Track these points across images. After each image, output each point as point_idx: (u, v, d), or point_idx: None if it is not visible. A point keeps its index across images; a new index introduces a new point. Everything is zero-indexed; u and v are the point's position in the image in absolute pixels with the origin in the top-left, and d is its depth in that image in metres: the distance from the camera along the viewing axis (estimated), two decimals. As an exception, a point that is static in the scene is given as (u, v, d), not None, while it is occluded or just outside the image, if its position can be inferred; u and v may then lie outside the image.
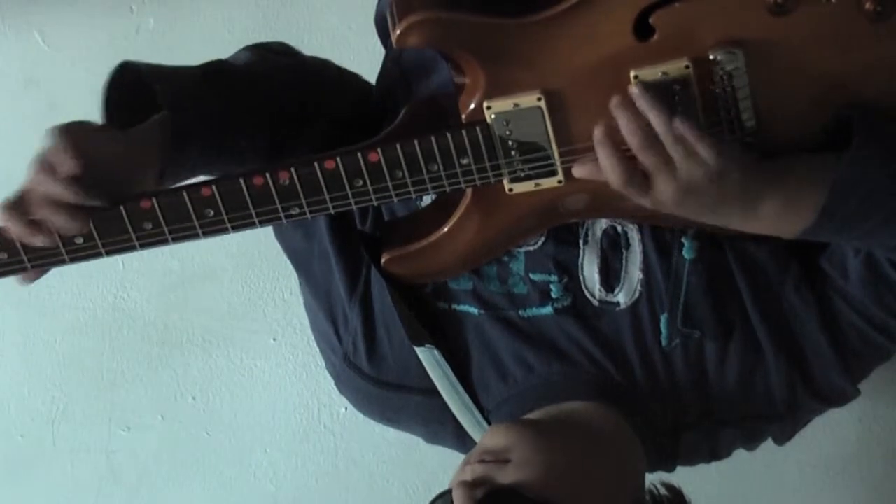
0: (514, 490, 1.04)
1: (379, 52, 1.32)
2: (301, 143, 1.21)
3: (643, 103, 1.03)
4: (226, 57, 1.26)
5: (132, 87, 1.15)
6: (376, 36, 1.28)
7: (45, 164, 1.05)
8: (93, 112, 2.01)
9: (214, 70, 1.21)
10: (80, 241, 1.09)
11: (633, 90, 1.04)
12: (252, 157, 1.21)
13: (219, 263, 1.99)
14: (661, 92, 1.05)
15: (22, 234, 1.07)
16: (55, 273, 1.13)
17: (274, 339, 2.02)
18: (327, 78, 1.31)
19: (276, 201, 1.09)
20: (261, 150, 1.22)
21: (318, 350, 1.34)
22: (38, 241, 1.07)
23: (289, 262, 1.34)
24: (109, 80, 1.15)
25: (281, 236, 1.30)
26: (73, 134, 1.05)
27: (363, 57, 1.32)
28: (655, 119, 1.03)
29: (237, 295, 2.01)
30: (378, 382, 1.27)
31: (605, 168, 1.06)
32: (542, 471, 1.06)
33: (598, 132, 1.06)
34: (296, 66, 1.29)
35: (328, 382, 1.33)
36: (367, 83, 1.38)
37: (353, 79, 1.36)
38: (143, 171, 1.11)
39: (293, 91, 1.25)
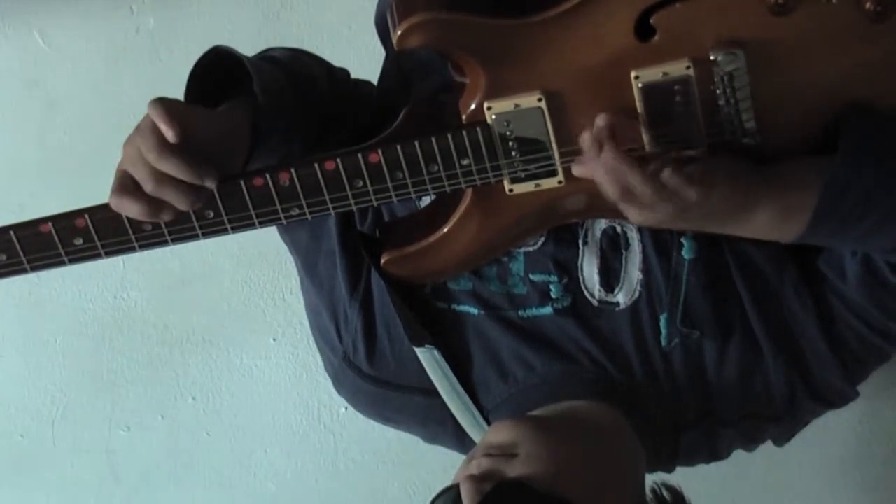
0: (522, 483, 1.04)
1: (379, 52, 1.32)
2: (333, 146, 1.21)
3: (621, 171, 1.02)
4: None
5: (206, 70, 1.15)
6: (376, 36, 1.28)
7: (148, 137, 1.04)
8: (92, 112, 2.01)
9: (280, 64, 1.21)
10: (79, 241, 1.09)
11: (606, 153, 1.03)
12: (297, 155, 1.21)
13: (219, 263, 1.99)
14: (661, 93, 1.05)
15: (147, 213, 1.07)
16: (55, 273, 1.13)
17: (274, 339, 2.02)
18: (354, 86, 1.31)
19: (277, 202, 1.09)
20: (308, 149, 1.22)
21: (318, 350, 1.34)
22: (165, 216, 1.07)
23: (289, 263, 1.34)
24: (198, 62, 1.14)
25: (288, 234, 1.30)
26: (169, 106, 1.04)
27: (363, 57, 1.32)
28: (635, 181, 1.02)
29: (237, 295, 2.01)
30: (377, 382, 1.27)
31: (602, 183, 1.06)
32: (550, 465, 1.06)
33: (586, 140, 1.06)
34: (329, 72, 1.29)
35: (328, 382, 1.33)
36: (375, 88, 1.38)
37: (366, 86, 1.36)
38: (235, 151, 1.11)
39: (333, 96, 1.26)
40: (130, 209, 1.07)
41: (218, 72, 1.16)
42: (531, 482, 1.04)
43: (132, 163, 1.05)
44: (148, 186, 1.05)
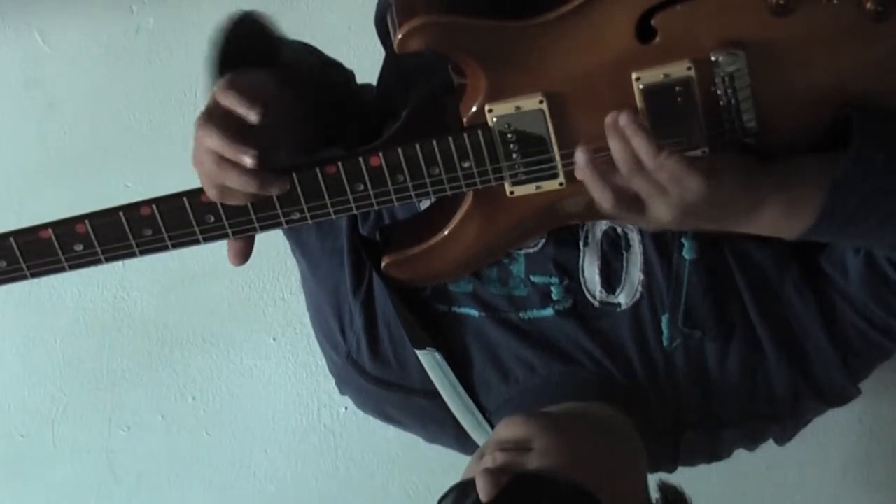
0: (542, 475, 1.03)
1: (379, 52, 1.31)
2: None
3: (628, 132, 1.03)
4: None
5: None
6: (376, 36, 1.28)
7: (222, 121, 1.03)
8: (92, 112, 2.01)
9: (304, 47, 1.21)
10: (79, 248, 1.09)
11: (621, 119, 1.03)
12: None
13: (219, 263, 1.98)
14: (662, 94, 1.05)
15: (216, 195, 1.07)
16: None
17: (274, 339, 2.02)
18: (358, 87, 1.32)
19: (277, 206, 1.09)
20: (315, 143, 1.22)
21: (318, 350, 1.34)
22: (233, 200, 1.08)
23: (289, 263, 1.34)
24: (224, 29, 1.15)
25: (293, 234, 1.29)
26: (240, 87, 1.04)
27: (363, 57, 1.32)
28: (640, 150, 1.03)
29: (237, 295, 2.01)
30: (380, 382, 1.27)
31: (593, 194, 1.06)
32: (568, 458, 1.05)
33: (579, 157, 1.06)
34: (337, 68, 1.29)
35: (328, 382, 1.33)
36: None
37: (366, 93, 1.36)
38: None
39: (341, 90, 1.25)
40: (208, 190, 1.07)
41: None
42: (551, 474, 1.03)
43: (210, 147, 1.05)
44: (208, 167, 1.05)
